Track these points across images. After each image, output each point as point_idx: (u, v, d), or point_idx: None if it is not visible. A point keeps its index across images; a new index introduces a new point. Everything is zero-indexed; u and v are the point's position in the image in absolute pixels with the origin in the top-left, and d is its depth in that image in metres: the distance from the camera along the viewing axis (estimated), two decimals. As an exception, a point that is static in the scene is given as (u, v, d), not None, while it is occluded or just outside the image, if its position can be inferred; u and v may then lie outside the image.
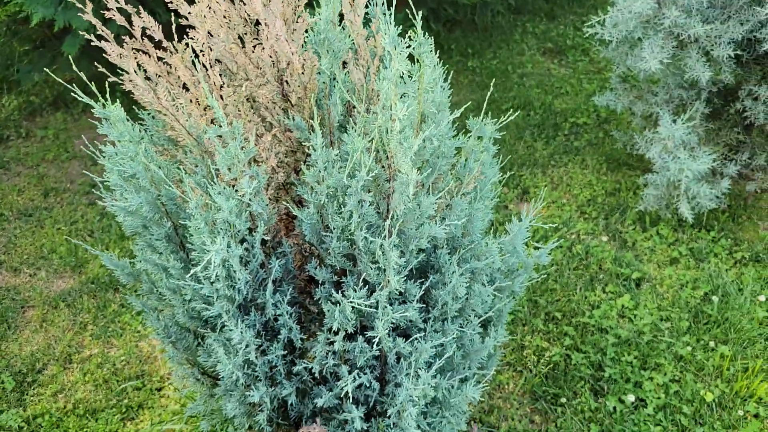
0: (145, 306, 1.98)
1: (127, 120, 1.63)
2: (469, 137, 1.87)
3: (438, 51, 5.67)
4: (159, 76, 1.61)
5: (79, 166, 4.39)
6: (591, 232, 3.82)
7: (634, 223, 3.82)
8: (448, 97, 1.83)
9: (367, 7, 1.74)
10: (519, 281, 2.14)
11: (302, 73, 1.53)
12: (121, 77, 1.68)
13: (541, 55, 5.66)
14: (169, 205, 1.70)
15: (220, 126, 1.35)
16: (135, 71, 1.58)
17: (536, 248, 3.75)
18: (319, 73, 1.69)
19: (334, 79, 1.66)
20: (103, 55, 1.67)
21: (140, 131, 1.67)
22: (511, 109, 4.93)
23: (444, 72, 1.81)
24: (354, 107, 1.75)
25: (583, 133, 4.66)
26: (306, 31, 1.83)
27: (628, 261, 3.56)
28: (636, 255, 3.62)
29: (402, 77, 1.65)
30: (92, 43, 1.62)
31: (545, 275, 3.53)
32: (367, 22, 1.84)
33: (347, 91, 1.67)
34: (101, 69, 1.74)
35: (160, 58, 1.67)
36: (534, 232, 3.86)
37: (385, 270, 1.59)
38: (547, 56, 5.66)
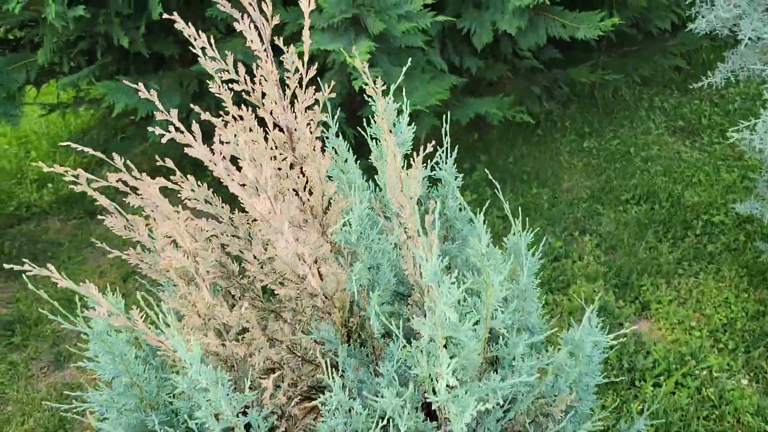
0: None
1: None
2: (558, 350, 1.40)
3: (551, 130, 4.98)
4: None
5: (163, 246, 4.26)
6: (727, 368, 3.14)
7: (784, 363, 3.12)
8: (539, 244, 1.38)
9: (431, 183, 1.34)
10: None
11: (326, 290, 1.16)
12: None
13: (671, 135, 5.00)
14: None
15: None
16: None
17: (655, 386, 3.14)
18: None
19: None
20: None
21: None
22: (632, 201, 4.33)
23: (537, 267, 1.36)
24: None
25: (719, 234, 3.97)
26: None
27: (775, 416, 2.87)
28: (786, 408, 2.92)
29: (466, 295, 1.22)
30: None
31: (664, 422, 2.90)
32: (434, 183, 1.44)
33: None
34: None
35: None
36: (654, 362, 3.24)
37: None
38: (678, 136, 4.99)
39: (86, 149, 1.62)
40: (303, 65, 1.09)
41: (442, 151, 1.45)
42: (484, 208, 1.44)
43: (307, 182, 1.16)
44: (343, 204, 1.14)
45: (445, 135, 1.45)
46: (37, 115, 5.33)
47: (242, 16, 0.97)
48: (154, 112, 3.56)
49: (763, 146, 2.69)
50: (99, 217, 4.62)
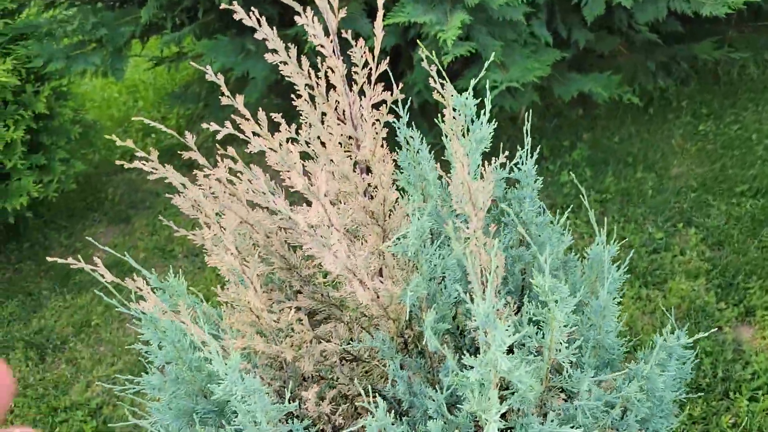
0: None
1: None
2: (629, 383, 1.26)
3: (664, 109, 4.64)
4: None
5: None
6: (839, 391, 2.85)
7: None
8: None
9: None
10: None
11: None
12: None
13: (801, 122, 4.52)
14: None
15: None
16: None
17: (752, 400, 2.89)
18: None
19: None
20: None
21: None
22: (747, 193, 3.96)
23: (622, 282, 1.23)
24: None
25: None
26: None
27: None
28: None
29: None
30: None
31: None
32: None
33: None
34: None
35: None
36: (753, 373, 2.99)
37: None
38: (809, 124, 4.50)
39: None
40: (373, 59, 1.00)
41: (523, 152, 1.32)
42: (562, 220, 1.31)
43: (369, 185, 1.08)
44: (406, 209, 1.06)
45: (527, 135, 1.32)
46: (144, 67, 5.53)
47: (304, 9, 0.89)
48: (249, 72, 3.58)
49: None
50: (195, 171, 4.74)
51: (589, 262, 1.43)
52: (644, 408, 1.19)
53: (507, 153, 1.25)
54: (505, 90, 3.11)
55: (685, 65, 4.16)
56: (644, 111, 4.48)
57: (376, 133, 1.01)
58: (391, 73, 1.08)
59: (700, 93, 4.78)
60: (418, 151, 1.43)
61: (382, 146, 1.08)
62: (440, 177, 1.37)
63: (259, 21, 0.95)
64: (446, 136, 1.21)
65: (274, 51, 1.00)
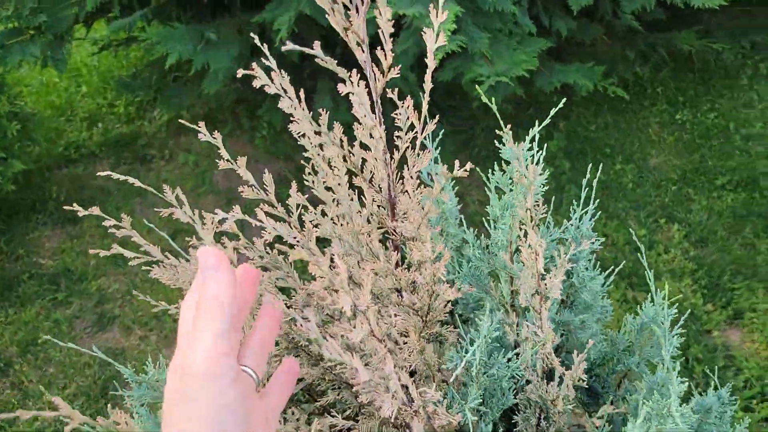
0: None
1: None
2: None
3: (640, 97, 4.43)
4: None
5: (213, 201, 4.04)
6: (832, 398, 2.79)
7: None
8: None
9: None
10: None
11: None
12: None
13: (776, 110, 4.45)
14: None
15: None
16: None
17: (746, 410, 2.81)
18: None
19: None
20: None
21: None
22: (728, 186, 3.88)
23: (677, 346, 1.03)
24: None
25: (829, 234, 3.52)
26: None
27: None
28: None
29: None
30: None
31: (758, 462, 2.60)
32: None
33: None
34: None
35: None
36: (745, 381, 2.91)
37: None
38: (784, 112, 4.44)
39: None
40: (419, 119, 0.76)
41: (576, 206, 1.11)
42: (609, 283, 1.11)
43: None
44: (451, 293, 0.83)
45: (591, 189, 1.10)
46: (88, 50, 5.07)
47: (350, 75, 0.64)
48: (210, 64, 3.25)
49: None
50: (150, 165, 4.34)
51: (638, 324, 1.24)
52: None
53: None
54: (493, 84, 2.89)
55: (663, 52, 4.01)
56: (620, 99, 4.34)
57: (425, 214, 0.78)
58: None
59: (675, 80, 4.66)
60: (442, 188, 1.21)
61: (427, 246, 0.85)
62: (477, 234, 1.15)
63: (285, 90, 0.70)
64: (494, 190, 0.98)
65: (302, 135, 0.75)
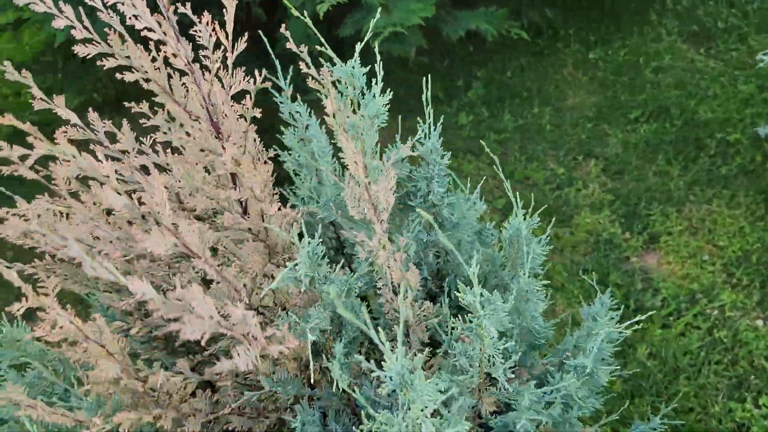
0: None
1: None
2: (563, 375, 1.11)
3: (553, 39, 4.49)
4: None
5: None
6: (741, 307, 2.93)
7: (804, 301, 2.90)
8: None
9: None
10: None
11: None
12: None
13: (683, 42, 4.57)
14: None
15: None
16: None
17: (664, 327, 2.93)
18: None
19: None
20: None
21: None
22: (641, 119, 3.98)
23: (544, 256, 1.08)
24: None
25: (735, 155, 3.66)
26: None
27: (793, 362, 2.68)
28: (805, 351, 2.73)
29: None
30: None
31: (673, 368, 2.72)
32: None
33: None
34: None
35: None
36: (663, 301, 3.03)
37: None
38: (691, 43, 4.56)
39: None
40: (227, 37, 0.75)
41: (425, 126, 1.12)
42: (482, 195, 1.14)
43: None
44: (294, 214, 0.83)
45: (427, 104, 1.11)
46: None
47: None
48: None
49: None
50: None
51: (508, 237, 1.27)
52: (588, 402, 1.06)
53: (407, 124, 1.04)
54: (392, 35, 2.88)
55: (570, -7, 4.06)
56: (534, 43, 4.39)
57: (243, 132, 0.77)
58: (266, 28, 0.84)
59: (586, 20, 4.73)
60: (307, 127, 1.21)
61: (247, 152, 0.84)
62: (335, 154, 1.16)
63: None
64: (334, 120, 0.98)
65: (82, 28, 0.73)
